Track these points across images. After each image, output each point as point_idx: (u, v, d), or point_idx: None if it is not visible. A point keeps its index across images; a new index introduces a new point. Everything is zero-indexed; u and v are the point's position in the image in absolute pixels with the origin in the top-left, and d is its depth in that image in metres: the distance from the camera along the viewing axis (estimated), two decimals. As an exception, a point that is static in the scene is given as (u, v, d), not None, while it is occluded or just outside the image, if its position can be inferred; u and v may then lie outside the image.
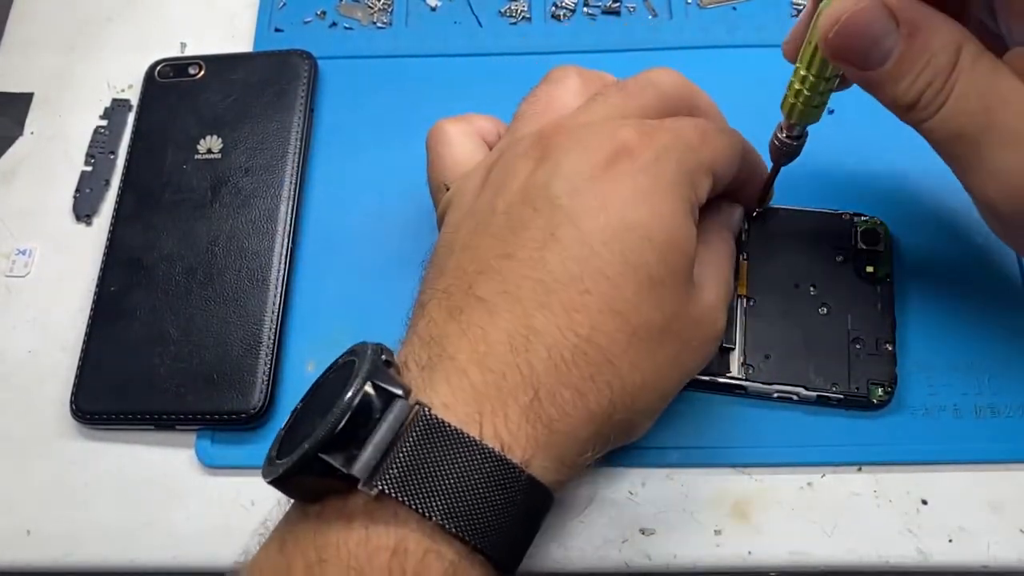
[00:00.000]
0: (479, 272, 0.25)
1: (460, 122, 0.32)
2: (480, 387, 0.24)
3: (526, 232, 0.25)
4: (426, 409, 0.23)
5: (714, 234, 0.31)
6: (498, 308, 0.24)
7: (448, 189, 0.31)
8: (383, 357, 0.24)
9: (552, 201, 0.25)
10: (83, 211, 0.40)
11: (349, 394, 0.22)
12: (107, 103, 0.43)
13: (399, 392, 0.23)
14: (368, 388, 0.23)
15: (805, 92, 0.28)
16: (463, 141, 0.31)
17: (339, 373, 0.25)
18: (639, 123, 0.27)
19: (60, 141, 0.42)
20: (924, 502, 0.33)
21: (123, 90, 0.43)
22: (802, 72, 0.28)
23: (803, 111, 0.29)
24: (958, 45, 0.24)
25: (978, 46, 0.24)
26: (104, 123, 0.42)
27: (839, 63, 0.26)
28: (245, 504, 0.34)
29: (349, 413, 0.22)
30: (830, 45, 0.25)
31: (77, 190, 0.41)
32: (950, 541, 0.32)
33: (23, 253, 0.40)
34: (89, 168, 0.41)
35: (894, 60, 0.24)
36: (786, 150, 0.31)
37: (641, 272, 0.25)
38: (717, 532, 0.33)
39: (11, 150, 0.42)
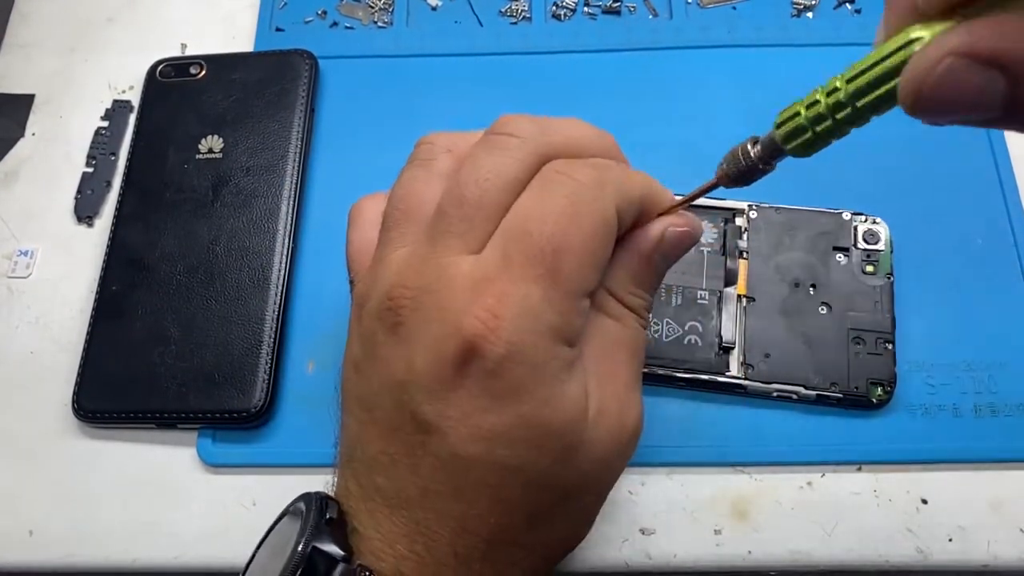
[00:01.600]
0: (373, 460, 0.25)
1: (377, 199, 0.29)
2: (406, 557, 0.24)
3: (400, 434, 0.24)
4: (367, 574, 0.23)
5: (598, 322, 0.25)
6: (396, 507, 0.24)
7: (352, 283, 0.28)
8: (327, 515, 0.24)
9: (415, 412, 0.23)
10: (84, 212, 0.40)
11: (294, 559, 0.23)
12: (108, 104, 0.43)
13: (339, 556, 0.23)
14: (311, 550, 0.23)
15: (829, 123, 0.21)
16: (371, 223, 0.28)
17: (289, 526, 0.25)
18: (478, 298, 0.23)
19: (61, 142, 0.42)
20: (924, 501, 0.33)
21: (124, 91, 0.43)
22: (839, 98, 0.20)
23: (811, 143, 0.22)
24: None
25: None
26: (105, 124, 0.43)
27: (931, 121, 0.19)
28: (246, 504, 0.34)
29: None
30: (915, 110, 0.18)
31: (78, 191, 0.41)
32: (950, 540, 0.32)
33: (25, 254, 0.40)
34: (90, 169, 0.41)
35: (1006, 102, 0.17)
36: (749, 174, 0.24)
37: (525, 471, 0.23)
38: (717, 532, 0.33)
39: (13, 151, 0.42)
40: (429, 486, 0.24)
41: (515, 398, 0.23)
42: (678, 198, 0.26)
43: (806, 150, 0.22)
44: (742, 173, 0.24)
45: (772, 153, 0.23)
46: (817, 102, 0.21)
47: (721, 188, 0.25)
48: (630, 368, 0.26)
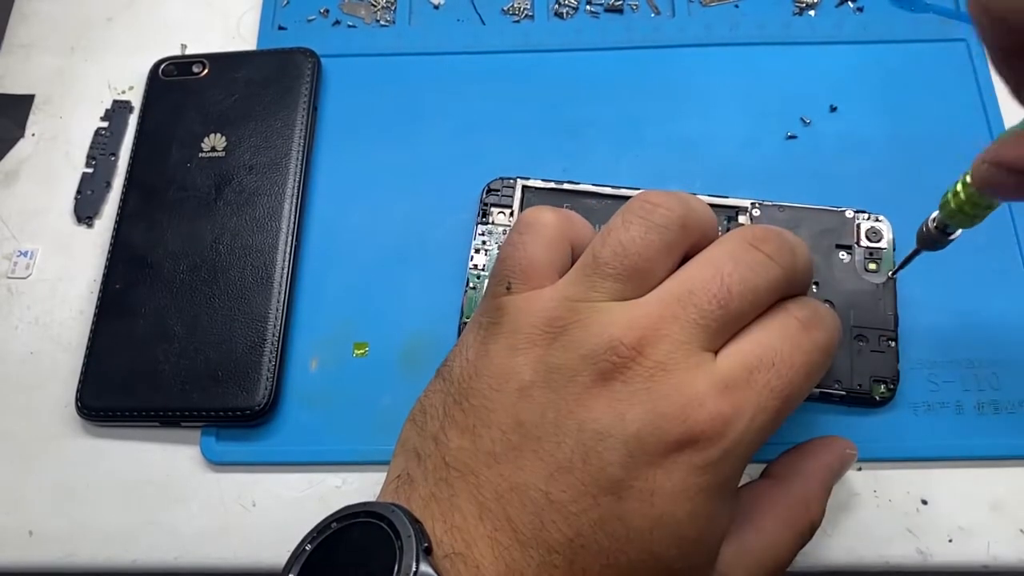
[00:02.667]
0: (513, 489, 0.24)
1: (562, 218, 0.29)
2: None
3: (569, 477, 0.24)
4: None
5: (784, 493, 0.29)
6: (529, 545, 0.24)
7: (509, 289, 0.27)
8: (425, 545, 0.23)
9: (605, 466, 0.24)
10: (84, 213, 0.40)
11: None
12: (108, 105, 0.43)
13: None
14: None
15: (963, 201, 0.27)
16: (553, 241, 0.28)
17: (370, 543, 0.24)
18: (719, 400, 0.24)
19: (61, 143, 0.42)
20: (924, 502, 0.33)
21: (124, 92, 0.44)
22: (965, 182, 0.27)
23: (957, 217, 0.28)
24: None
25: None
26: (105, 125, 0.43)
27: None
28: (246, 505, 0.34)
29: None
30: (990, 192, 0.25)
31: (78, 192, 0.41)
32: (950, 541, 0.32)
33: (24, 254, 0.40)
34: (90, 170, 0.41)
35: None
36: (931, 243, 0.30)
37: (662, 563, 0.24)
38: (717, 530, 0.33)
39: (12, 152, 0.42)
40: (576, 539, 0.24)
41: (696, 497, 0.24)
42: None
43: (955, 223, 0.28)
44: (927, 243, 0.30)
45: (941, 224, 0.29)
46: (957, 184, 0.28)
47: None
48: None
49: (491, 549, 0.24)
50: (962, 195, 0.27)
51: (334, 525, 0.25)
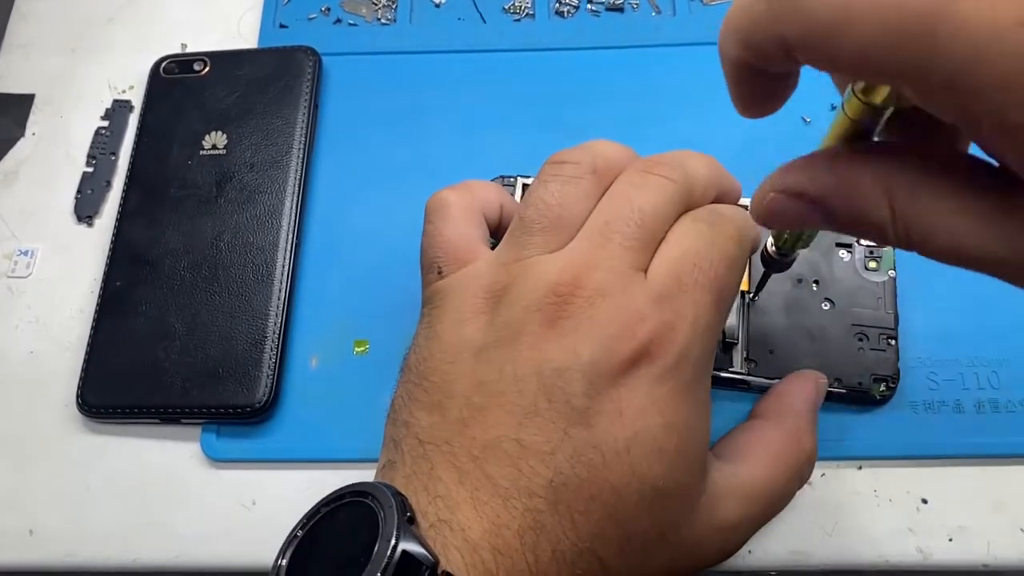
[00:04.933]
0: (487, 447, 0.25)
1: (462, 194, 0.31)
2: (492, 569, 0.24)
3: (537, 419, 0.25)
4: None
5: (774, 428, 0.31)
6: (510, 496, 0.24)
7: (441, 273, 0.29)
8: (407, 515, 0.24)
9: (568, 398, 0.25)
10: (84, 212, 0.41)
11: (382, 564, 0.22)
12: (108, 104, 0.43)
13: (428, 561, 0.23)
14: (398, 553, 0.22)
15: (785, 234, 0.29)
16: (463, 217, 0.30)
17: (355, 520, 0.24)
18: (659, 310, 0.25)
19: (61, 142, 0.42)
20: (924, 501, 0.33)
21: (124, 91, 0.44)
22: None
23: (790, 243, 0.29)
24: (885, 188, 0.20)
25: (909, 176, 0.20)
26: (105, 124, 0.43)
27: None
28: (247, 504, 0.34)
29: None
30: (763, 225, 0.24)
31: (78, 191, 0.41)
32: (950, 540, 0.32)
33: (25, 254, 0.40)
34: (90, 169, 0.42)
35: (825, 219, 0.22)
36: (776, 266, 0.31)
37: (646, 483, 0.24)
38: (717, 530, 0.33)
39: (13, 151, 0.42)
40: (555, 478, 0.24)
41: (665, 407, 0.25)
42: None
43: (789, 247, 0.30)
44: (771, 266, 0.31)
45: (779, 248, 0.30)
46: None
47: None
48: (767, 501, 0.29)
49: (474, 509, 0.24)
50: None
51: (323, 509, 0.25)
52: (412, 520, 0.24)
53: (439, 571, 0.23)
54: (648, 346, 0.25)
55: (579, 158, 0.29)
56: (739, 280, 0.28)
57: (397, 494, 0.24)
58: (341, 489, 0.25)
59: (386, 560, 0.22)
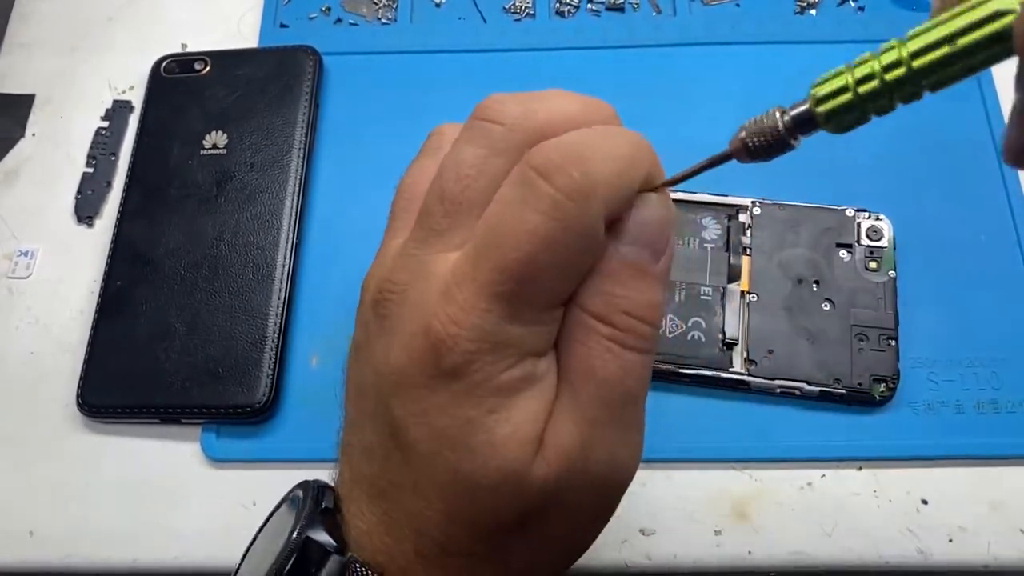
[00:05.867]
0: (363, 447, 0.25)
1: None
2: (380, 549, 0.24)
3: (377, 423, 0.24)
4: (360, 568, 0.23)
5: (580, 339, 0.23)
6: (374, 497, 0.25)
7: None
8: (323, 504, 0.25)
9: (387, 400, 0.24)
10: (85, 212, 0.41)
11: (287, 548, 0.23)
12: (108, 104, 0.43)
13: (332, 547, 0.24)
14: (305, 539, 0.23)
15: (885, 100, 0.19)
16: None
17: (286, 514, 0.25)
18: (448, 309, 0.22)
19: (62, 142, 0.42)
20: (924, 502, 0.33)
21: (124, 91, 0.44)
22: (901, 74, 0.18)
23: (858, 120, 0.20)
24: None
25: None
26: (105, 124, 0.43)
27: None
28: (247, 504, 0.34)
29: (287, 566, 0.23)
30: None
31: (79, 191, 0.41)
32: (950, 541, 0.32)
33: (25, 254, 0.40)
34: (91, 169, 0.42)
35: None
36: (774, 148, 0.21)
37: (474, 479, 0.23)
38: (717, 532, 0.33)
39: (13, 151, 0.42)
40: (394, 479, 0.24)
41: (468, 405, 0.22)
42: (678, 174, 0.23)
43: (847, 128, 0.20)
44: (765, 148, 0.21)
45: (805, 129, 0.20)
46: (871, 76, 0.19)
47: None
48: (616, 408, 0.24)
49: (355, 506, 0.25)
50: (905, 71, 0.18)
51: (276, 508, 0.26)
52: (328, 511, 0.24)
53: (346, 556, 0.24)
54: (436, 344, 0.22)
55: (443, 129, 0.26)
56: (581, 253, 0.21)
57: (319, 486, 0.25)
58: (294, 486, 0.26)
59: (290, 546, 0.23)
